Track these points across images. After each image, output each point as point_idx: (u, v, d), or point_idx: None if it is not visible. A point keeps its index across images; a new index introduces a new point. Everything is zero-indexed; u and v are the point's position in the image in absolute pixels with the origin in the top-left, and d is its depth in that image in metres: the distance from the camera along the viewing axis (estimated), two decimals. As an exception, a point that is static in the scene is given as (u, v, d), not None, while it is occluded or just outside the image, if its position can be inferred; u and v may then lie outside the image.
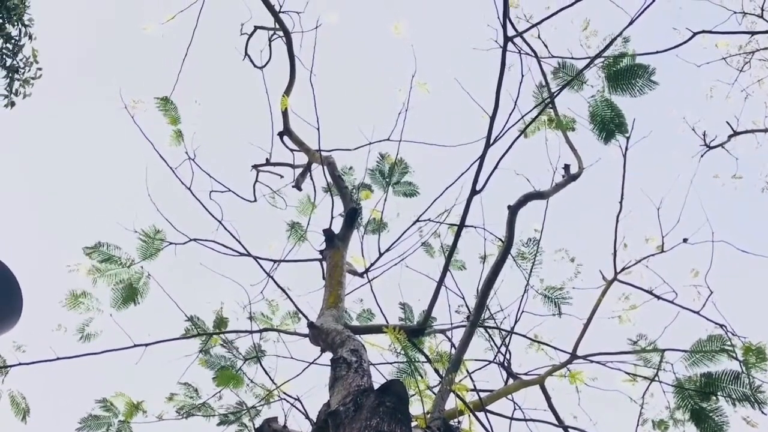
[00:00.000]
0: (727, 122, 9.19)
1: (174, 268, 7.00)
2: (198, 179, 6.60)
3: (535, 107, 6.59)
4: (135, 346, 5.84)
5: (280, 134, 7.56)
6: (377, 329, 5.61)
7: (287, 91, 7.38)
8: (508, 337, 6.10)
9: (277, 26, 7.38)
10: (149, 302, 6.83)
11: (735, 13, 8.76)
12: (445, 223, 6.83)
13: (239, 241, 5.76)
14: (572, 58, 6.35)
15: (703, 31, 7.62)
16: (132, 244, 6.80)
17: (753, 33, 8.79)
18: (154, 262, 6.82)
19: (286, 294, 5.45)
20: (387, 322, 5.70)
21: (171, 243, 6.75)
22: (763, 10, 8.65)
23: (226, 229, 5.79)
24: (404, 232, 6.31)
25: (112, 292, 6.63)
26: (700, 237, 6.52)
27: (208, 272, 6.48)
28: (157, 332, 6.20)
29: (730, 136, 9.20)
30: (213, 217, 5.86)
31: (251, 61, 7.80)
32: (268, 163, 7.97)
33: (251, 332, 6.51)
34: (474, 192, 5.19)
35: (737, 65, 9.28)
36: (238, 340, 7.00)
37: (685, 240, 6.58)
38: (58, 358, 5.40)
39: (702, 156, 9.18)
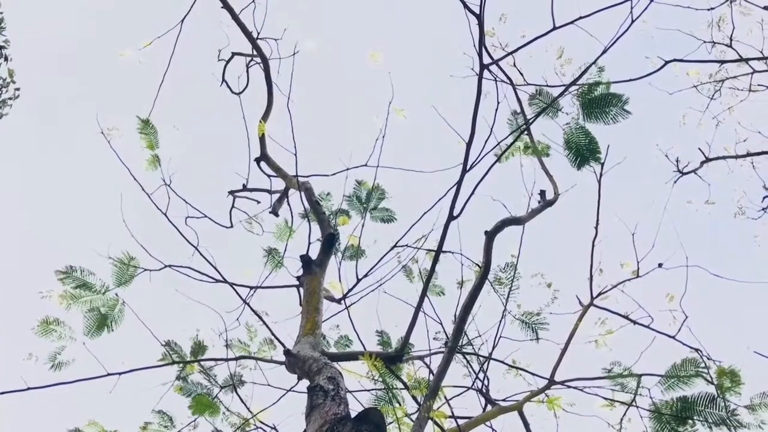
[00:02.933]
0: (700, 149, 9.36)
1: (149, 294, 6.92)
2: (174, 205, 6.57)
3: (511, 134, 6.66)
4: (108, 374, 5.75)
5: (257, 160, 7.54)
6: (355, 356, 5.57)
7: (264, 117, 7.38)
8: (486, 363, 6.09)
9: (255, 53, 7.40)
10: (124, 329, 6.73)
11: (705, 42, 8.98)
12: (422, 248, 6.85)
13: (215, 268, 5.71)
14: (547, 85, 6.45)
15: (675, 60, 7.79)
16: (107, 270, 6.72)
17: (722, 62, 9.00)
18: (129, 288, 6.74)
19: (263, 321, 5.40)
20: (365, 348, 5.67)
21: (145, 269, 6.67)
22: (731, 39, 8.87)
23: (201, 255, 5.75)
24: (382, 258, 6.32)
25: (85, 319, 6.52)
26: (675, 262, 6.59)
27: (183, 299, 6.42)
28: (131, 360, 6.12)
29: (702, 163, 9.37)
30: (188, 243, 5.81)
31: (228, 87, 7.81)
32: (244, 188, 7.94)
33: (227, 360, 6.43)
34: (451, 218, 5.21)
35: (708, 93, 9.49)
36: (215, 368, 6.92)
37: (660, 265, 6.65)
38: (29, 388, 5.30)
39: (675, 182, 9.34)
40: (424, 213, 5.99)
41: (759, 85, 9.20)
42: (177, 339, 6.81)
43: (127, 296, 6.69)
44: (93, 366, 5.93)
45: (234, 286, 5.81)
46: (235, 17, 6.97)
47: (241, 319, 6.99)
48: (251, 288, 6.63)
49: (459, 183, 5.12)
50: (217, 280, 5.99)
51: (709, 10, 8.81)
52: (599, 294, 6.60)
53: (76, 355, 6.49)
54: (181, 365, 6.52)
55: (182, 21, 6.82)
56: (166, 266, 6.51)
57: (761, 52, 8.90)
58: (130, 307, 6.46)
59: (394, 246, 6.33)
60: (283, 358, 5.17)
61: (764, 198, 9.47)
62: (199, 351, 6.53)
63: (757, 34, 8.94)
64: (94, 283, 6.48)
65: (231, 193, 8.03)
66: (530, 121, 6.27)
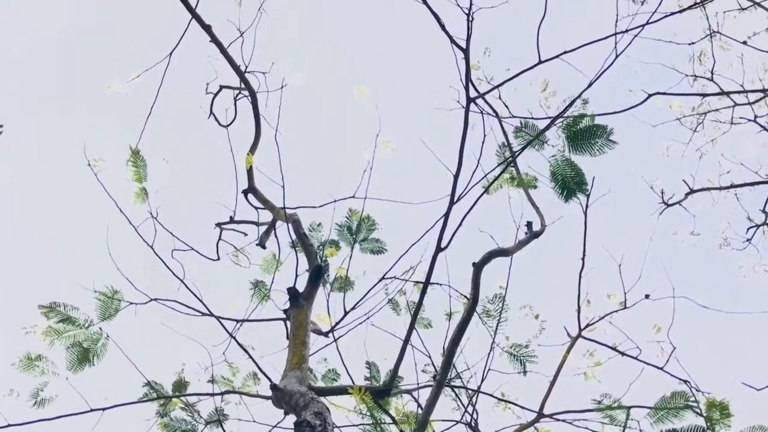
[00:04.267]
0: (684, 180, 9.46)
1: (135, 328, 6.85)
2: (161, 238, 6.53)
3: (497, 166, 6.71)
4: (91, 410, 5.66)
5: (245, 192, 7.53)
6: (342, 390, 5.51)
7: (252, 150, 7.39)
8: (475, 396, 6.04)
9: (243, 86, 7.44)
10: (108, 364, 6.64)
11: (687, 76, 9.13)
12: (410, 280, 6.82)
13: (201, 301, 5.66)
14: (533, 118, 6.53)
15: (658, 93, 7.92)
16: (91, 304, 6.65)
17: (704, 95, 9.15)
18: (113, 322, 6.67)
19: (249, 355, 5.33)
20: (353, 382, 5.61)
21: (131, 303, 6.61)
22: (712, 73, 9.02)
23: (187, 288, 5.69)
24: (370, 290, 6.29)
25: (68, 354, 6.43)
26: (662, 293, 6.62)
27: (169, 333, 6.35)
28: (115, 395, 6.03)
29: (687, 194, 9.45)
30: (175, 276, 5.76)
31: (216, 119, 7.83)
32: (231, 221, 7.91)
33: (212, 395, 6.35)
34: (439, 249, 5.21)
35: (691, 126, 9.62)
36: (200, 403, 6.82)
37: (646, 296, 6.67)
38: (9, 425, 5.19)
39: (661, 213, 9.41)
40: (412, 245, 6.00)
41: (740, 117, 9.35)
42: (162, 373, 6.73)
43: (111, 330, 6.63)
44: (76, 401, 5.85)
45: (220, 320, 5.75)
46: (223, 51, 7.01)
47: (227, 353, 6.93)
48: (237, 321, 6.57)
49: (446, 215, 5.14)
50: (203, 314, 5.93)
51: (690, 44, 9.01)
52: (587, 325, 6.60)
53: (58, 390, 6.39)
54: (164, 401, 6.42)
55: (170, 54, 6.86)
56: (151, 300, 6.46)
57: (742, 86, 9.06)
58: (113, 341, 6.39)
59: (382, 278, 6.32)
60: (269, 393, 5.11)
61: (748, 229, 9.57)
62: (180, 388, 6.44)
63: (737, 68, 9.12)
64: (77, 317, 6.41)
65: (218, 225, 7.99)
66: (516, 153, 6.32)
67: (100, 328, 6.54)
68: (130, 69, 7.10)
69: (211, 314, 5.74)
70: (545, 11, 5.44)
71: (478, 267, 5.93)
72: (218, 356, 6.83)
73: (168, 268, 5.74)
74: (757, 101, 9.16)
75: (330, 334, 6.27)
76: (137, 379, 6.39)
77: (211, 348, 6.57)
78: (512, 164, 6.78)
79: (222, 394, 6.56)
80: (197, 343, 6.43)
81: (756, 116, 9.21)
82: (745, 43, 9.00)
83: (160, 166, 6.85)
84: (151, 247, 5.92)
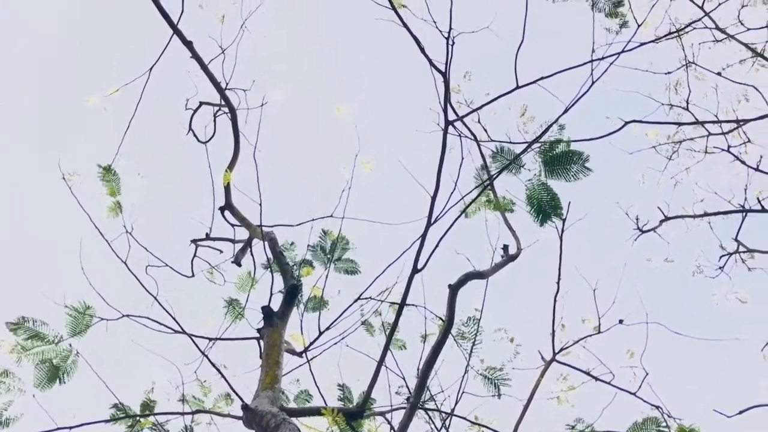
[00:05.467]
0: (659, 208, 9.57)
1: (106, 345, 6.75)
2: (135, 253, 6.46)
3: (475, 189, 6.74)
4: (58, 429, 5.54)
5: (222, 209, 7.48)
6: (315, 411, 5.45)
7: (230, 166, 7.35)
8: (449, 419, 6.01)
9: (223, 102, 7.42)
10: (77, 381, 6.53)
11: (663, 104, 9.28)
12: (386, 301, 6.80)
13: (174, 318, 5.58)
14: (510, 142, 6.58)
15: (634, 121, 8.04)
16: (62, 320, 6.55)
17: (679, 124, 9.30)
18: (84, 338, 6.57)
19: (221, 374, 5.25)
20: (325, 403, 5.55)
21: (102, 319, 6.52)
22: (688, 103, 9.18)
23: (160, 305, 5.61)
24: (345, 311, 6.25)
25: (36, 371, 6.31)
26: (635, 318, 6.66)
27: (140, 350, 6.26)
28: (84, 414, 5.91)
29: (661, 221, 9.56)
30: (148, 292, 5.68)
31: (195, 135, 7.79)
32: (207, 237, 7.85)
33: (183, 414, 6.25)
34: (415, 270, 5.20)
35: (666, 154, 9.75)
36: (170, 423, 6.72)
37: (620, 321, 6.71)
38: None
39: (635, 239, 9.50)
40: (389, 266, 5.97)
41: (714, 147, 9.50)
42: (132, 391, 6.62)
43: (82, 347, 6.53)
44: (42, 420, 5.72)
45: (193, 338, 5.67)
46: (204, 67, 7.00)
47: (199, 371, 6.84)
48: (210, 339, 6.50)
49: (423, 236, 5.15)
50: (176, 331, 5.86)
51: (666, 74, 9.17)
52: (561, 350, 6.62)
53: (25, 408, 6.26)
54: (133, 421, 6.31)
55: (150, 69, 6.83)
56: (123, 316, 6.37)
57: (716, 116, 9.22)
58: (83, 357, 6.28)
59: (358, 298, 6.28)
60: (240, 413, 5.04)
61: (721, 257, 9.68)
62: (148, 407, 6.33)
63: (711, 99, 9.28)
64: (47, 333, 6.29)
65: (194, 242, 7.93)
66: (493, 176, 6.36)
67: (70, 345, 6.43)
68: (111, 83, 7.06)
69: (184, 332, 5.66)
70: (523, 37, 5.51)
71: (453, 289, 5.94)
72: (190, 375, 6.77)
73: (141, 284, 5.66)
74: (730, 131, 9.32)
75: (304, 355, 6.21)
76: (107, 396, 6.29)
77: (183, 366, 6.51)
78: (489, 187, 6.82)
79: (192, 413, 6.47)
80: (169, 361, 6.36)
81: (729, 146, 9.36)
82: (719, 74, 9.19)
83: (137, 181, 6.80)
84: (125, 262, 5.84)
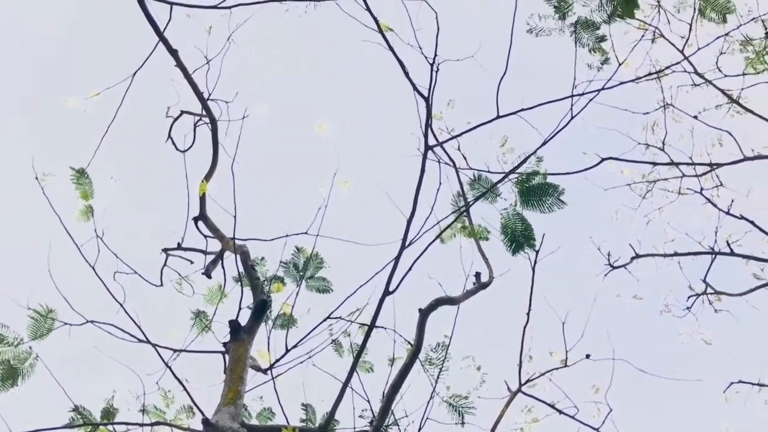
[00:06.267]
0: (630, 245, 9.67)
1: (68, 350, 6.63)
2: (104, 258, 6.38)
3: (451, 214, 6.78)
4: (10, 434, 5.41)
5: (195, 219, 7.41)
6: (276, 430, 5.39)
7: (207, 177, 7.31)
8: (411, 444, 5.97)
9: (204, 113, 7.39)
10: (35, 386, 6.39)
11: (639, 144, 9.44)
12: (355, 322, 6.76)
13: (139, 327, 5.50)
14: (488, 171, 6.65)
15: (610, 158, 8.17)
16: (24, 321, 6.43)
17: (655, 164, 9.45)
18: (45, 342, 6.45)
19: (183, 386, 5.18)
20: (288, 422, 5.49)
21: (65, 323, 6.41)
22: (664, 143, 9.34)
23: (126, 312, 5.53)
24: (313, 329, 6.19)
25: (-8, 372, 6.17)
26: (602, 354, 6.70)
27: (103, 357, 6.16)
28: (40, 419, 5.78)
29: (632, 258, 9.66)
30: (114, 299, 5.60)
31: (174, 144, 7.74)
32: (179, 247, 7.77)
33: (142, 425, 6.14)
34: (387, 293, 5.20)
35: (640, 192, 9.89)
36: (127, 433, 6.59)
37: (587, 356, 6.75)
38: None
39: (606, 275, 9.58)
40: (360, 286, 5.94)
41: (688, 188, 9.65)
42: (91, 398, 6.50)
43: (42, 351, 6.41)
44: (-4, 425, 5.58)
45: (157, 348, 5.60)
46: (188, 76, 6.98)
47: (161, 382, 6.74)
48: (175, 351, 6.41)
49: (397, 259, 5.15)
50: (140, 340, 5.77)
51: (644, 113, 9.34)
52: (527, 381, 6.63)
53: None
54: (91, 428, 6.18)
55: (134, 75, 6.79)
56: (87, 321, 6.27)
57: (690, 158, 9.38)
58: (42, 361, 6.16)
59: (327, 318, 6.23)
60: (200, 427, 4.97)
61: (689, 298, 9.79)
62: (108, 416, 6.21)
63: (687, 141, 9.46)
64: (5, 335, 6.16)
65: (165, 250, 7.84)
66: (470, 203, 6.40)
67: (30, 347, 6.31)
68: (97, 87, 7.01)
69: (148, 341, 5.58)
70: (506, 69, 5.59)
71: (424, 313, 5.94)
72: (152, 385, 6.65)
73: (108, 290, 5.58)
74: (704, 174, 9.49)
75: (269, 372, 6.14)
76: (65, 403, 6.17)
77: (145, 376, 6.39)
78: (465, 214, 6.86)
79: (152, 425, 6.35)
80: (131, 370, 6.25)
81: (702, 188, 9.53)
82: (695, 117, 9.37)
83: (111, 185, 6.74)
84: (93, 267, 5.76)
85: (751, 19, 8.48)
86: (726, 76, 9.02)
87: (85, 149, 6.85)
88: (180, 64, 6.85)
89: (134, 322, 5.50)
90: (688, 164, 9.40)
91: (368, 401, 5.98)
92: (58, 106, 7.19)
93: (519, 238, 6.35)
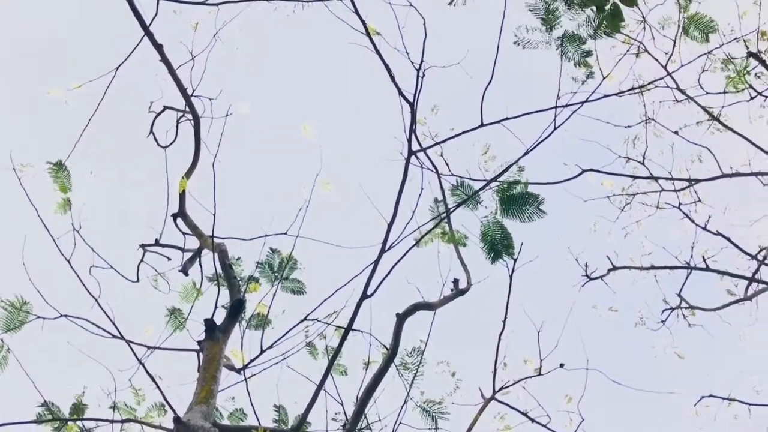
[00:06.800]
0: (608, 257, 9.76)
1: (41, 343, 6.56)
2: (81, 252, 6.31)
3: (431, 220, 6.79)
4: (-23, 427, 5.34)
5: (174, 216, 7.36)
6: (248, 430, 5.36)
7: (188, 174, 7.26)
8: (383, 449, 5.97)
9: (187, 109, 7.34)
10: (6, 379, 6.31)
11: (620, 157, 9.53)
12: (332, 324, 6.74)
13: (113, 322, 5.46)
14: (470, 178, 6.67)
15: (591, 170, 8.24)
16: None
17: (635, 177, 9.55)
18: (18, 335, 6.37)
19: (156, 383, 5.13)
20: (260, 423, 5.47)
21: (39, 317, 6.33)
22: (644, 158, 9.44)
23: (101, 307, 5.48)
24: (289, 331, 6.17)
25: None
26: (576, 364, 6.76)
27: (75, 352, 6.09)
28: (11, 412, 5.73)
29: (609, 270, 9.74)
30: (89, 293, 5.54)
31: (155, 139, 7.68)
32: (157, 243, 7.70)
33: (112, 422, 6.08)
34: (365, 296, 5.19)
35: (619, 205, 9.99)
36: (98, 429, 6.53)
37: (561, 365, 6.80)
38: None
39: (583, 286, 9.66)
40: (338, 288, 5.92)
41: (666, 203, 9.77)
42: (62, 393, 6.43)
43: (14, 344, 6.32)
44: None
45: (130, 344, 5.54)
46: (172, 71, 6.92)
47: (134, 379, 6.68)
48: (148, 347, 6.35)
49: (376, 262, 5.15)
50: (114, 336, 5.72)
51: (626, 127, 9.43)
52: (501, 388, 6.67)
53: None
54: (60, 424, 6.11)
55: (117, 68, 6.73)
56: (61, 315, 6.19)
57: (670, 173, 9.50)
58: (13, 354, 6.08)
59: (304, 319, 6.21)
60: (172, 426, 4.93)
61: (663, 311, 9.90)
62: (78, 411, 6.14)
63: (667, 156, 9.57)
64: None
65: (142, 246, 7.77)
66: (451, 210, 6.42)
67: (2, 340, 6.23)
68: (79, 80, 6.93)
69: (122, 337, 5.53)
70: (492, 77, 5.62)
71: (401, 318, 5.95)
72: (124, 382, 6.59)
73: (83, 284, 5.53)
74: (682, 189, 9.61)
75: (242, 372, 6.11)
76: (35, 397, 6.10)
77: (118, 373, 6.34)
78: (445, 220, 6.87)
79: (122, 422, 6.30)
80: (103, 366, 6.20)
81: (680, 203, 9.65)
82: (676, 133, 9.50)
83: (89, 179, 6.67)
84: (68, 260, 5.69)
85: (734, 39, 8.60)
86: (707, 93, 9.15)
87: (66, 142, 6.78)
88: (165, 59, 6.80)
89: (108, 317, 5.46)
90: (667, 179, 9.52)
91: (342, 404, 5.98)
92: (41, 98, 7.12)
93: (498, 246, 6.38)
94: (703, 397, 8.84)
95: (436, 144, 6.31)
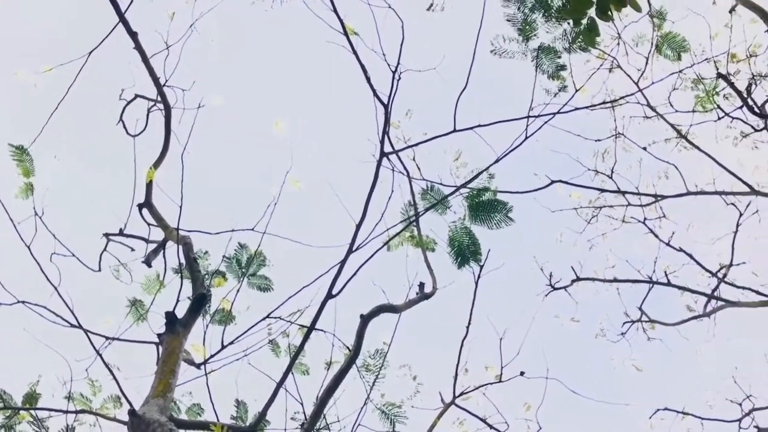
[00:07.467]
0: (572, 268, 9.87)
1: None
2: (42, 238, 6.18)
3: (400, 222, 6.80)
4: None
5: (140, 206, 7.24)
6: (204, 426, 5.29)
7: (156, 164, 7.15)
8: (341, 449, 5.95)
9: (159, 98, 7.24)
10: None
11: (589, 170, 9.64)
12: (295, 323, 6.71)
13: (72, 311, 5.34)
14: (441, 183, 6.70)
15: (560, 181, 8.33)
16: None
17: (602, 190, 9.67)
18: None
19: (113, 375, 5.05)
20: (218, 419, 5.41)
21: (-5, 302, 6.17)
22: (612, 172, 9.58)
23: (60, 295, 5.37)
24: (251, 327, 6.11)
25: None
26: (536, 372, 6.81)
27: (32, 340, 5.96)
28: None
29: (573, 281, 9.85)
30: (48, 281, 5.43)
31: (125, 127, 7.56)
32: (121, 233, 7.57)
33: (65, 412, 5.97)
34: (329, 296, 5.17)
35: (586, 217, 10.11)
36: (51, 420, 6.40)
37: (522, 373, 6.85)
38: None
39: (546, 295, 9.74)
40: (303, 287, 5.89)
41: (631, 217, 9.92)
42: (15, 381, 6.29)
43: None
44: None
45: (88, 334, 5.44)
46: (146, 60, 6.83)
47: (91, 370, 6.56)
48: (107, 338, 6.24)
49: (342, 263, 5.13)
50: (72, 325, 5.60)
51: (596, 140, 9.56)
52: (462, 393, 6.70)
53: None
54: (11, 412, 5.98)
55: (90, 53, 6.61)
56: (18, 302, 6.05)
57: (637, 188, 9.64)
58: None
59: (267, 316, 6.16)
60: (126, 418, 4.85)
61: (624, 324, 10.04)
62: (31, 400, 6.02)
63: (635, 171, 9.72)
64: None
65: (106, 235, 7.64)
66: (420, 213, 6.43)
67: (-46, 324, 6.07)
68: (49, 63, 6.79)
69: (80, 327, 5.43)
70: (466, 84, 5.64)
71: (365, 320, 5.93)
72: (80, 372, 6.47)
73: (42, 271, 5.42)
74: (648, 204, 9.77)
75: (202, 367, 6.04)
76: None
77: (74, 363, 6.22)
78: (414, 224, 6.88)
79: (76, 412, 6.18)
80: (60, 355, 6.08)
81: (645, 218, 9.81)
82: (645, 149, 9.65)
83: (56, 165, 6.55)
84: (28, 246, 5.57)
85: (704, 59, 8.77)
86: (677, 111, 9.32)
87: (34, 126, 6.65)
88: (139, 47, 6.70)
89: (67, 306, 5.35)
90: (634, 194, 9.66)
91: (301, 403, 5.95)
92: (8, 80, 6.98)
93: (465, 251, 6.42)
94: (658, 410, 8.99)
95: (409, 147, 6.32)
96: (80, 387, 6.80)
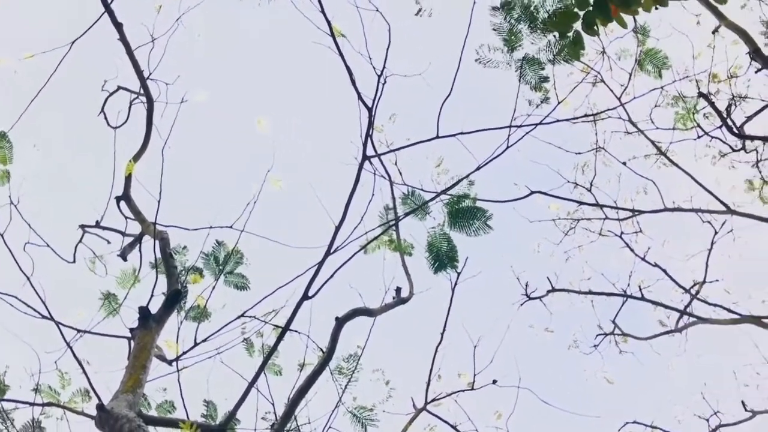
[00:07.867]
0: (548, 278, 9.92)
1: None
2: (17, 227, 6.11)
3: (379, 226, 6.80)
4: None
5: (118, 199, 7.18)
6: (173, 423, 5.25)
7: (136, 157, 7.09)
8: (310, 451, 5.93)
9: (142, 91, 7.19)
10: None
11: (568, 182, 9.73)
12: (270, 323, 6.67)
13: (43, 302, 5.28)
14: (422, 189, 6.72)
15: (539, 192, 8.38)
16: None
17: (581, 203, 9.75)
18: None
19: (82, 368, 4.99)
20: (188, 416, 5.36)
21: (-36, 290, 6.07)
22: (591, 185, 9.66)
23: (32, 286, 5.30)
24: (226, 325, 6.07)
25: None
26: (508, 381, 6.85)
27: (1, 330, 5.88)
28: None
29: (548, 291, 9.90)
30: (21, 270, 5.36)
31: (106, 119, 7.50)
32: (97, 225, 7.50)
33: (32, 404, 5.88)
34: (305, 297, 5.15)
35: (564, 228, 10.19)
36: (16, 412, 6.31)
37: (494, 381, 6.88)
38: None
39: (522, 305, 9.78)
40: (280, 287, 5.85)
41: (608, 231, 10.01)
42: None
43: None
44: None
45: (59, 325, 5.37)
46: (130, 52, 6.78)
47: (60, 362, 6.47)
48: (78, 331, 6.16)
49: (320, 264, 5.11)
50: (43, 316, 5.53)
51: (576, 153, 9.64)
52: (433, 400, 6.71)
53: None
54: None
55: (73, 43, 6.54)
56: (-11, 291, 5.95)
57: (615, 202, 9.74)
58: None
59: (241, 315, 6.13)
60: (95, 412, 4.79)
61: (597, 336, 10.12)
62: (-1, 391, 5.93)
63: (614, 185, 9.82)
64: None
65: (82, 227, 7.56)
66: (399, 218, 6.44)
67: None
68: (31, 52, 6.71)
69: (51, 318, 5.36)
70: (451, 91, 5.66)
71: (340, 322, 5.93)
72: (50, 365, 6.38)
73: (15, 260, 5.34)
74: (625, 219, 9.87)
75: (174, 363, 5.98)
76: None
77: (44, 354, 6.14)
78: (393, 228, 6.89)
79: (43, 405, 6.10)
80: (29, 346, 6.00)
81: (622, 232, 9.91)
82: (624, 164, 9.75)
83: (34, 154, 6.48)
84: (1, 235, 5.50)
85: (686, 77, 8.89)
86: (657, 128, 9.43)
87: (14, 114, 6.57)
88: (123, 39, 6.65)
89: (39, 296, 5.28)
90: (611, 207, 9.75)
91: (273, 404, 5.92)
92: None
93: (443, 257, 6.44)
94: (627, 422, 9.05)
95: (391, 151, 6.32)
96: (49, 379, 6.72)
